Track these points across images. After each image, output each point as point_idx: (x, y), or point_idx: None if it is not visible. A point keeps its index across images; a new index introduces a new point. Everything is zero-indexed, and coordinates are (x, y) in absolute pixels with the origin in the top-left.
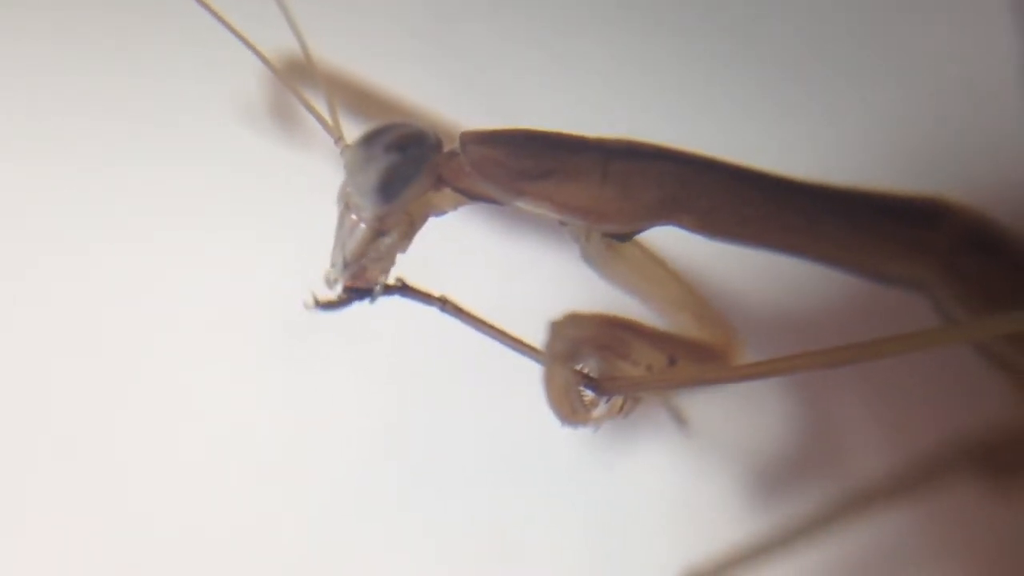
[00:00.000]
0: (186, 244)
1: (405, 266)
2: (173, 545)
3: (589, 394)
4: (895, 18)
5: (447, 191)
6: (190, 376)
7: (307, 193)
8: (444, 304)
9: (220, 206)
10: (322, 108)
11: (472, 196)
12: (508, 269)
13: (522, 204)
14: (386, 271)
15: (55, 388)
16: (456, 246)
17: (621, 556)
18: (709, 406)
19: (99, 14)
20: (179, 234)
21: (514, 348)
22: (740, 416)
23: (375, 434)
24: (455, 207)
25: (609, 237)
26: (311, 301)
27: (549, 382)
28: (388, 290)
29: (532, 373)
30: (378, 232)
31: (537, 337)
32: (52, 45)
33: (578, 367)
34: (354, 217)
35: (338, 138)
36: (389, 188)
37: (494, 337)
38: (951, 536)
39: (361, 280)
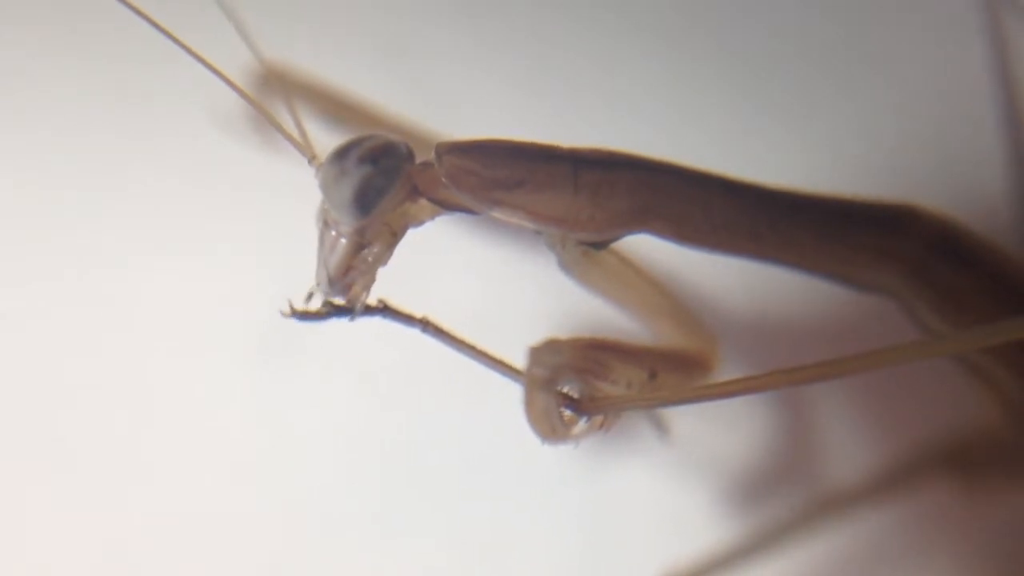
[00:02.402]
0: (170, 255)
1: (389, 280)
2: (155, 548)
3: (569, 412)
4: (870, 28)
5: (423, 202)
6: (175, 382)
7: (291, 203)
8: (425, 325)
9: (205, 216)
10: (295, 128)
11: (448, 206)
12: (494, 277)
13: (497, 213)
14: (369, 285)
15: (39, 396)
16: (440, 256)
17: (603, 560)
18: (689, 414)
19: (89, 27)
20: (162, 245)
21: (495, 369)
22: (719, 422)
23: (360, 443)
24: (432, 217)
25: (585, 245)
26: (288, 310)
27: (529, 405)
28: (369, 311)
29: (516, 385)
30: (359, 246)
31: (520, 347)
32: (43, 56)
33: (559, 388)
34: (334, 233)
35: (311, 157)
36: (364, 200)
37: (475, 358)
38: (926, 537)
39: (346, 296)
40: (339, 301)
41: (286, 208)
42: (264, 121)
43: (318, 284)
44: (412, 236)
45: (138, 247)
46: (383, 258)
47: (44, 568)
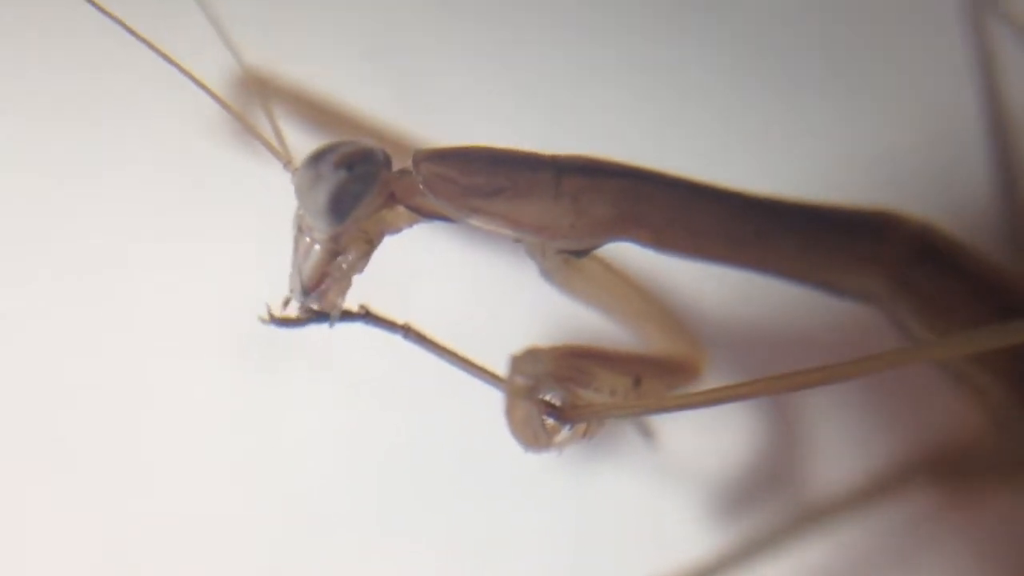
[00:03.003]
0: (167, 257)
1: (376, 286)
2: (155, 548)
3: (552, 421)
4: (860, 35)
5: (400, 209)
6: (173, 384)
7: (289, 206)
8: (407, 332)
9: (202, 218)
10: (272, 133)
11: (425, 214)
12: (478, 283)
13: (475, 221)
14: (344, 292)
15: (39, 397)
16: (424, 261)
17: (591, 565)
18: (675, 420)
19: (83, 28)
20: (159, 247)
21: (477, 376)
22: (705, 429)
23: (355, 445)
24: (410, 224)
25: (565, 253)
26: (267, 316)
27: (511, 414)
28: (351, 317)
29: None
30: (333, 252)
31: (504, 354)
32: (39, 59)
33: (541, 396)
34: (308, 239)
35: (287, 162)
36: (340, 206)
37: (457, 365)
38: (912, 545)
39: (321, 303)
40: (323, 308)
41: (284, 210)
42: (242, 125)
43: (292, 290)
44: (399, 240)
45: (135, 249)
46: (358, 265)
47: (44, 568)
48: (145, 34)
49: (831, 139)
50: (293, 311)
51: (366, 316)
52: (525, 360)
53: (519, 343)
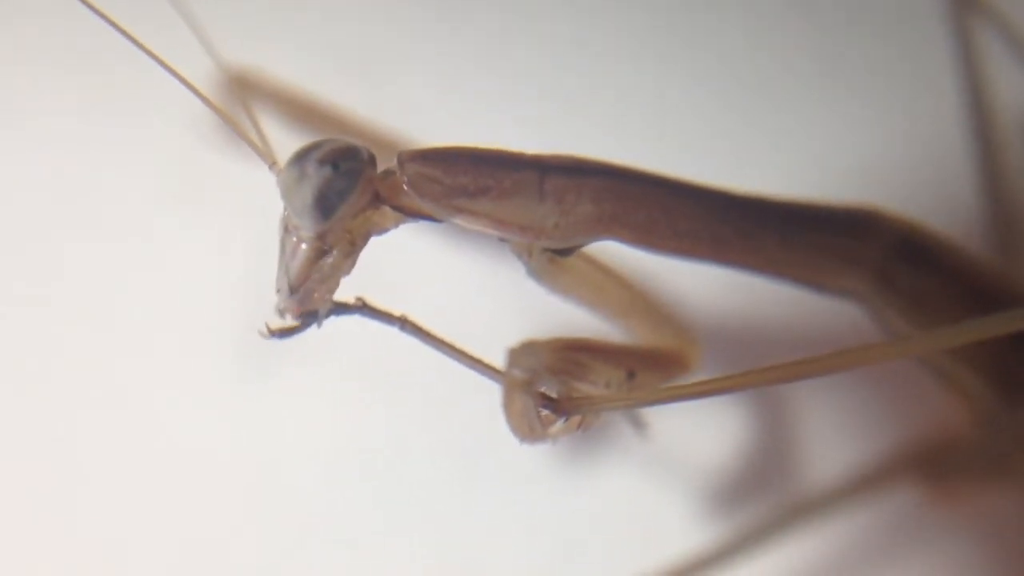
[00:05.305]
0: (154, 260)
1: (373, 283)
2: (152, 548)
3: (547, 412)
4: (845, 42)
5: (386, 209)
6: (157, 394)
7: (271, 214)
8: (404, 323)
9: (196, 221)
10: (256, 134)
11: (411, 214)
12: (474, 276)
13: (460, 221)
14: (331, 292)
15: (37, 399)
16: (420, 255)
17: (581, 560)
18: (665, 415)
19: (68, 33)
20: (146, 249)
21: (474, 369)
22: (694, 426)
23: (341, 449)
24: (396, 225)
25: (550, 252)
26: (265, 330)
27: (508, 406)
28: (347, 309)
29: (493, 386)
30: (320, 251)
31: (501, 346)
32: (29, 64)
33: (537, 388)
34: (295, 239)
35: (271, 163)
36: (325, 203)
37: (454, 357)
38: (898, 540)
39: (308, 303)
40: (305, 308)
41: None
42: (227, 127)
43: (279, 291)
44: (396, 236)
45: (128, 250)
46: (345, 265)
47: (44, 568)
48: (130, 36)
49: (816, 139)
50: (289, 320)
51: (363, 308)
52: (522, 353)
53: (515, 337)
